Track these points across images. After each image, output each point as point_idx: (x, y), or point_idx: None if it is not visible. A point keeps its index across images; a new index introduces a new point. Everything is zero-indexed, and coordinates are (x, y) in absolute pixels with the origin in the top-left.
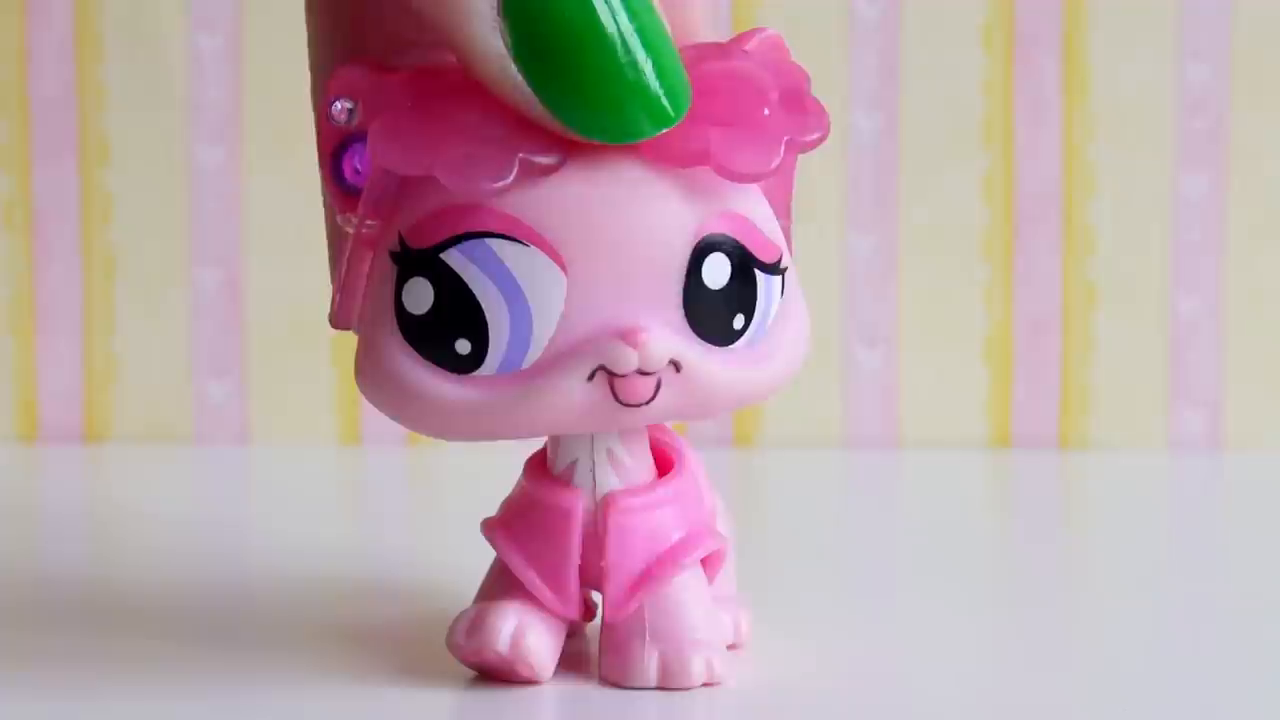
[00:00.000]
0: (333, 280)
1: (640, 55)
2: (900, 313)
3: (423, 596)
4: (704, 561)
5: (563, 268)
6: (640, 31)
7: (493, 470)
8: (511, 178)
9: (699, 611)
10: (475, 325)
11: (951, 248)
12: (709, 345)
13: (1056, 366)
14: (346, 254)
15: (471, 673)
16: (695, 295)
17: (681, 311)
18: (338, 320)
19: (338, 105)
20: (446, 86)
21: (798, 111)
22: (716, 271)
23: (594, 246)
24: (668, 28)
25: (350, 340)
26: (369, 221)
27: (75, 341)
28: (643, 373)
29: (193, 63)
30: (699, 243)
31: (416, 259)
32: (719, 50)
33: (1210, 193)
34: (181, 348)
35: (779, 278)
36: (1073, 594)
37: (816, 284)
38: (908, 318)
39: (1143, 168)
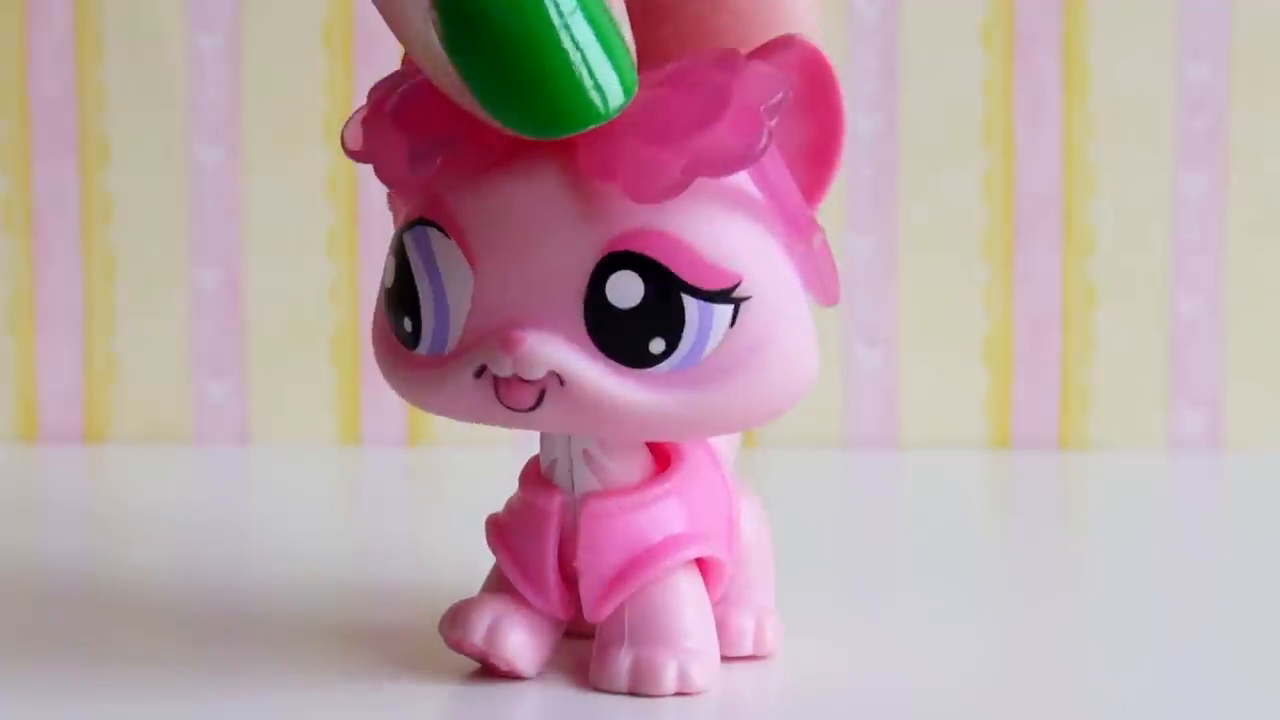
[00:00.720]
0: None
1: (569, 51)
2: (900, 312)
3: (422, 596)
4: (704, 567)
5: (472, 265)
6: (567, 28)
7: (493, 470)
8: (429, 172)
9: (688, 615)
10: (414, 306)
11: (951, 247)
12: (615, 364)
13: (1056, 366)
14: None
15: (465, 673)
16: (599, 311)
17: (583, 326)
18: None
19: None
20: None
21: (733, 131)
22: (624, 290)
23: (500, 249)
24: (617, 23)
25: (348, 341)
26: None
27: (75, 341)
28: (522, 380)
29: (192, 63)
30: (603, 258)
31: (395, 236)
32: (708, 60)
33: (1210, 192)
34: (181, 348)
35: (727, 306)
36: (1073, 594)
37: None
38: (908, 317)
39: (1142, 167)
